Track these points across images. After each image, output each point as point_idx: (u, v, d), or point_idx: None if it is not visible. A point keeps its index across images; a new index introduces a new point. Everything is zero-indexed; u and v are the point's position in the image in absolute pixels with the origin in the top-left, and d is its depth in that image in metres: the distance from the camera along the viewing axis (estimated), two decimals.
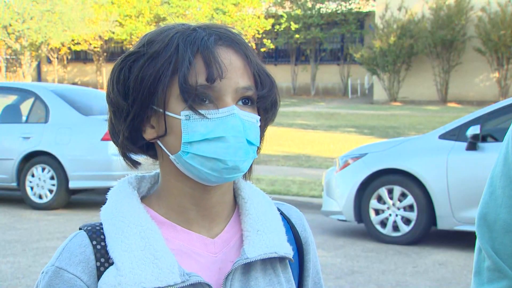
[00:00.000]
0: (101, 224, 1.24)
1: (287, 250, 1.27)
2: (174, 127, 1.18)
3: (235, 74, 1.19)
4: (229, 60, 1.19)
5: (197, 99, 1.17)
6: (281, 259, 1.29)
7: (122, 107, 1.22)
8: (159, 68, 1.18)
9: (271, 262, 1.28)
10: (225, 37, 1.21)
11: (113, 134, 1.27)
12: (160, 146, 1.22)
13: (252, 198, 1.30)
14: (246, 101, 1.20)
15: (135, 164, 1.29)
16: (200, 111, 1.17)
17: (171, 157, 1.21)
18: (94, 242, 1.21)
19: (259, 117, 1.22)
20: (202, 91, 1.16)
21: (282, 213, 1.35)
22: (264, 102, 1.23)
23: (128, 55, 1.23)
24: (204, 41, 1.18)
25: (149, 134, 1.23)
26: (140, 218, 1.22)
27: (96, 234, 1.22)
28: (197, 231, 1.25)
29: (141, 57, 1.21)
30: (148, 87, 1.19)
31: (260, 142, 1.24)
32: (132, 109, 1.21)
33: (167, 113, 1.19)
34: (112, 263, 1.19)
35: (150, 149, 1.26)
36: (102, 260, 1.20)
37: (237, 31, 1.25)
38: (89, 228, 1.23)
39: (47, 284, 1.20)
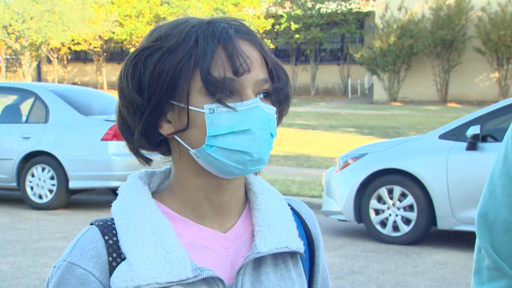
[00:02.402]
0: (112, 219, 1.23)
1: (299, 245, 1.27)
2: (196, 121, 1.17)
3: (255, 67, 1.19)
4: (250, 52, 1.19)
5: (225, 92, 1.16)
6: (292, 254, 1.29)
7: (137, 103, 1.20)
8: (178, 62, 1.17)
9: (282, 257, 1.28)
10: (240, 30, 1.21)
11: (125, 131, 1.25)
12: (178, 141, 1.21)
13: (263, 193, 1.30)
14: (264, 94, 1.21)
15: (147, 161, 1.28)
16: (227, 103, 1.16)
17: (192, 151, 1.20)
18: (106, 237, 1.20)
19: (275, 109, 1.23)
20: (229, 84, 1.16)
21: (292, 209, 1.35)
22: (279, 95, 1.24)
23: (142, 50, 1.20)
24: (224, 33, 1.18)
25: (166, 129, 1.21)
26: (152, 213, 1.21)
27: (108, 229, 1.22)
28: (209, 226, 1.25)
29: (156, 51, 1.19)
30: (167, 81, 1.17)
31: None
32: (149, 105, 1.19)
33: (190, 107, 1.17)
34: (124, 258, 1.19)
35: (162, 145, 1.25)
36: (114, 255, 1.19)
37: (249, 24, 1.24)
38: (101, 223, 1.23)
39: (59, 280, 1.19)
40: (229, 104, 1.16)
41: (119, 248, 1.20)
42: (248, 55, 1.18)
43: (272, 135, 1.20)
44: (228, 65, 1.16)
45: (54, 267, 1.22)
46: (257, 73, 1.19)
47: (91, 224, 1.24)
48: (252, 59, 1.19)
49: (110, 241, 1.20)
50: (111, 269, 1.18)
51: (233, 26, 1.20)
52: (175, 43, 1.18)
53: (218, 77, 1.15)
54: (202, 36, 1.17)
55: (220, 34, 1.18)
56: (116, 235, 1.21)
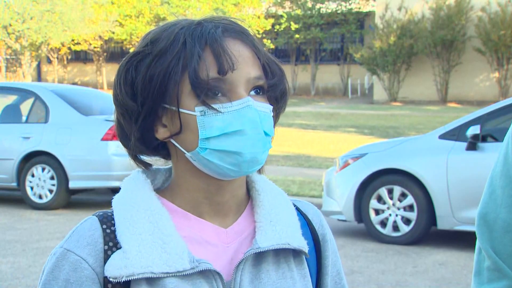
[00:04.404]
0: (113, 211, 1.23)
1: (301, 244, 1.25)
2: (189, 124, 1.17)
3: (246, 65, 1.17)
4: (238, 51, 1.17)
5: (209, 93, 1.15)
6: (296, 254, 1.27)
7: (131, 108, 1.20)
8: (167, 65, 1.16)
9: (285, 256, 1.26)
10: (231, 28, 1.20)
11: (123, 137, 1.25)
12: (175, 145, 1.21)
13: (266, 190, 1.29)
14: (258, 90, 1.19)
15: (146, 165, 1.28)
16: (213, 105, 1.15)
17: (187, 154, 1.19)
18: (104, 226, 1.20)
19: (271, 107, 1.21)
20: (214, 84, 1.15)
21: (298, 209, 1.33)
22: (275, 91, 1.22)
23: (133, 55, 1.21)
24: (211, 33, 1.17)
25: (161, 133, 1.21)
26: (151, 204, 1.21)
27: (107, 219, 1.21)
28: (209, 221, 1.24)
29: (147, 56, 1.18)
30: (158, 85, 1.17)
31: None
32: (142, 110, 1.19)
33: (181, 110, 1.17)
34: (120, 248, 1.18)
35: (161, 149, 1.25)
36: (111, 244, 1.19)
37: (241, 22, 1.23)
38: (101, 213, 1.23)
39: (53, 265, 1.20)
40: (215, 105, 1.15)
41: (116, 237, 1.19)
42: (234, 53, 1.16)
43: (267, 134, 1.18)
44: (214, 65, 1.15)
45: (51, 254, 1.22)
46: (248, 70, 1.17)
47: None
48: (241, 57, 1.17)
49: (108, 230, 1.20)
50: (106, 258, 1.18)
51: (221, 25, 1.19)
52: (164, 46, 1.18)
53: (203, 78, 1.14)
54: (190, 38, 1.17)
55: (207, 35, 1.17)
56: (114, 225, 1.20)
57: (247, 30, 1.22)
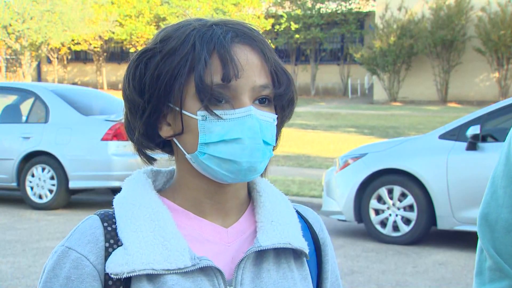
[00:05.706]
0: (114, 210, 1.24)
1: (302, 244, 1.25)
2: (191, 126, 1.18)
3: (252, 73, 1.17)
4: (246, 58, 1.17)
5: (212, 99, 1.15)
6: (296, 256, 1.28)
7: (138, 103, 1.21)
8: (175, 66, 1.17)
9: (286, 257, 1.26)
10: (242, 33, 1.19)
11: (129, 131, 1.26)
12: (177, 144, 1.22)
13: (267, 192, 1.29)
14: (263, 99, 1.19)
15: (150, 160, 1.29)
16: (215, 111, 1.15)
17: (187, 156, 1.20)
18: (105, 224, 1.21)
19: (276, 116, 1.21)
20: (218, 91, 1.15)
21: (298, 213, 1.34)
22: (281, 100, 1.22)
23: (144, 52, 1.21)
24: (220, 39, 1.16)
25: (165, 131, 1.22)
26: (151, 202, 1.22)
27: (108, 217, 1.22)
28: (211, 221, 1.24)
29: (157, 54, 1.19)
30: (164, 84, 1.18)
31: (276, 141, 1.23)
32: (148, 106, 1.20)
33: (183, 112, 1.18)
34: (121, 245, 1.19)
35: (166, 145, 1.26)
36: (112, 241, 1.19)
37: (254, 27, 1.23)
38: (102, 212, 1.24)
39: (54, 263, 1.20)
40: (217, 112, 1.15)
41: (117, 235, 1.20)
42: (242, 61, 1.16)
43: (266, 143, 1.18)
44: (219, 71, 1.15)
45: (53, 252, 1.23)
46: (254, 79, 1.17)
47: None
48: (248, 64, 1.17)
49: (109, 228, 1.21)
50: (107, 255, 1.18)
51: (231, 30, 1.19)
52: (174, 46, 1.18)
53: (208, 84, 1.15)
54: (200, 41, 1.17)
55: (217, 39, 1.16)
56: (115, 223, 1.21)
57: (259, 37, 1.21)
